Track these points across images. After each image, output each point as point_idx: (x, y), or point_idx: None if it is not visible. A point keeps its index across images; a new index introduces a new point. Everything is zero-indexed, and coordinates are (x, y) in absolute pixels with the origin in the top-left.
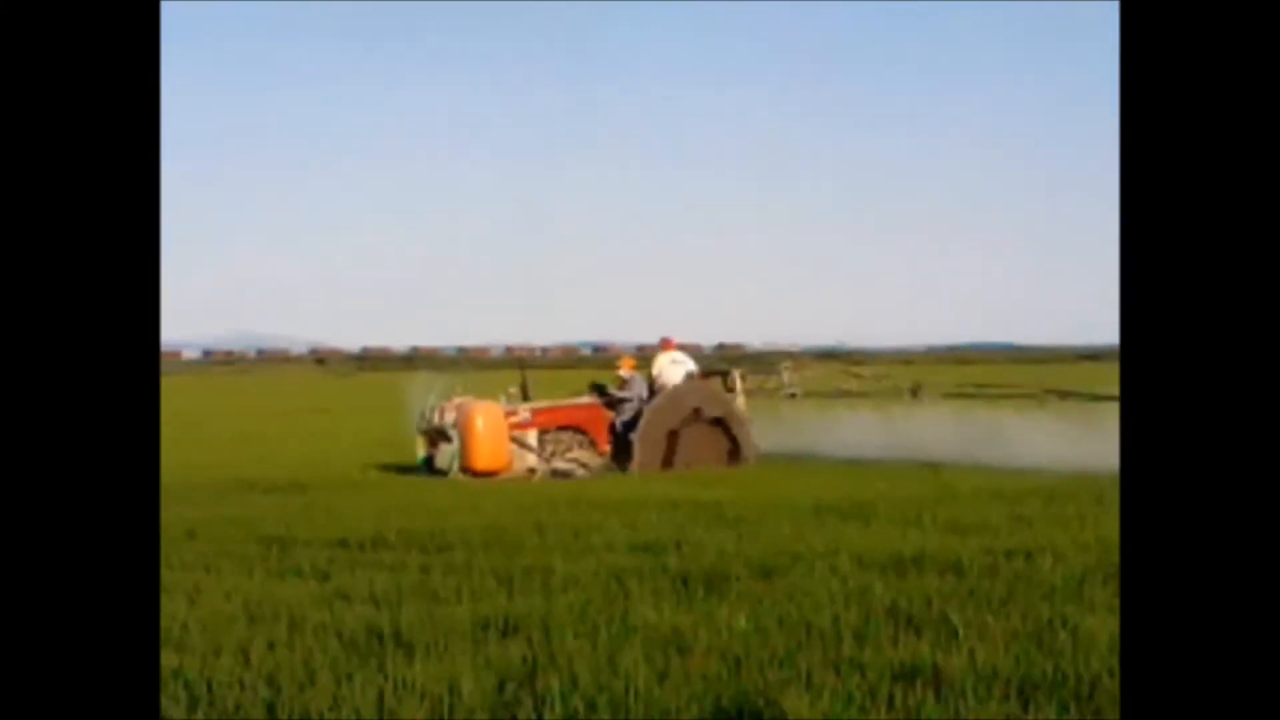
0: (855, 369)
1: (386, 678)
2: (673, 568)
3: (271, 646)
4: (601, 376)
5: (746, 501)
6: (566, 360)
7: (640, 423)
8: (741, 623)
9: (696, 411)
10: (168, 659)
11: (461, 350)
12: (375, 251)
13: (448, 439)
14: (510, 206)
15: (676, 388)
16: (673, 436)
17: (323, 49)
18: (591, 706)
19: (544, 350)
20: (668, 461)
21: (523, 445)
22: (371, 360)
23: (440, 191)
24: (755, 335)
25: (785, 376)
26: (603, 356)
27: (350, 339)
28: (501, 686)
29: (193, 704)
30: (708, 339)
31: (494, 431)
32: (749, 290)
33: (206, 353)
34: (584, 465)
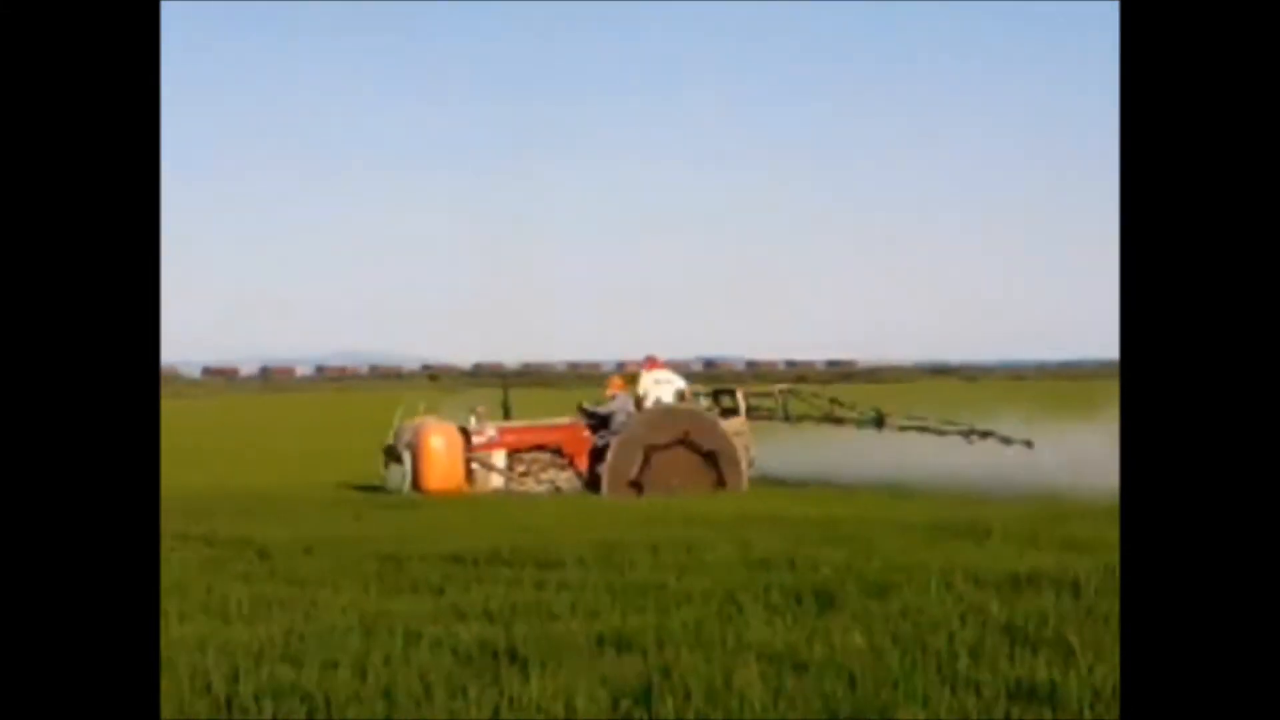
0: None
1: (502, 693)
2: (786, 584)
3: (387, 661)
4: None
5: (859, 518)
6: (677, 374)
7: (612, 445)
8: (856, 640)
9: (685, 435)
10: (283, 672)
11: (571, 365)
12: (488, 266)
13: (399, 459)
14: (625, 221)
15: (651, 412)
16: (646, 460)
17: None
18: None
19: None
20: (638, 485)
21: (487, 466)
22: (483, 375)
23: (553, 205)
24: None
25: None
26: (713, 372)
27: (462, 354)
28: (616, 703)
29: (310, 716)
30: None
31: (446, 452)
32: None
33: (319, 368)
34: (558, 486)
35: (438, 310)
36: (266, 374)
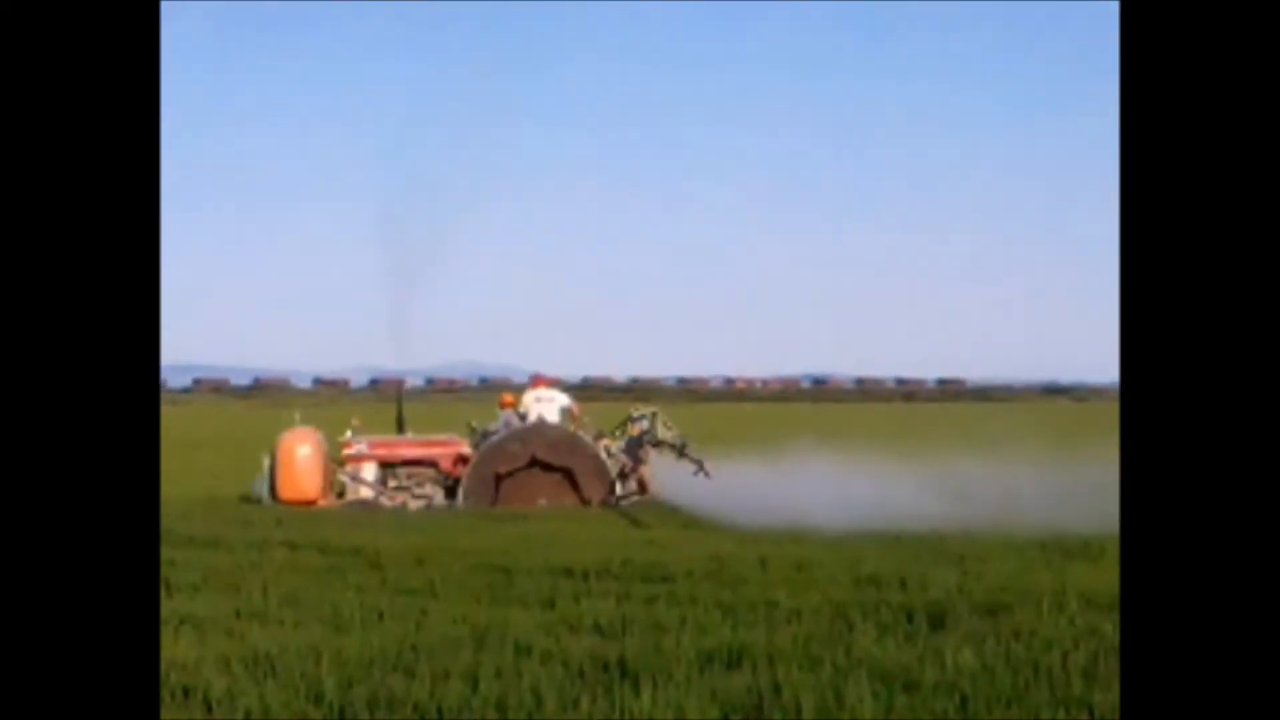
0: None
1: (613, 706)
2: (896, 602)
3: (499, 672)
4: (799, 412)
5: (971, 537)
6: (785, 393)
7: (470, 461)
8: (968, 659)
9: (533, 455)
10: (396, 681)
11: (682, 381)
12: (597, 279)
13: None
14: (735, 234)
15: (512, 431)
16: (499, 478)
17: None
18: None
19: (764, 382)
20: (494, 501)
21: (356, 479)
22: (593, 390)
23: (665, 218)
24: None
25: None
26: (821, 390)
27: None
28: (726, 717)
29: None
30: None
31: (304, 463)
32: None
33: (430, 380)
34: (429, 500)
35: (550, 323)
36: (376, 385)
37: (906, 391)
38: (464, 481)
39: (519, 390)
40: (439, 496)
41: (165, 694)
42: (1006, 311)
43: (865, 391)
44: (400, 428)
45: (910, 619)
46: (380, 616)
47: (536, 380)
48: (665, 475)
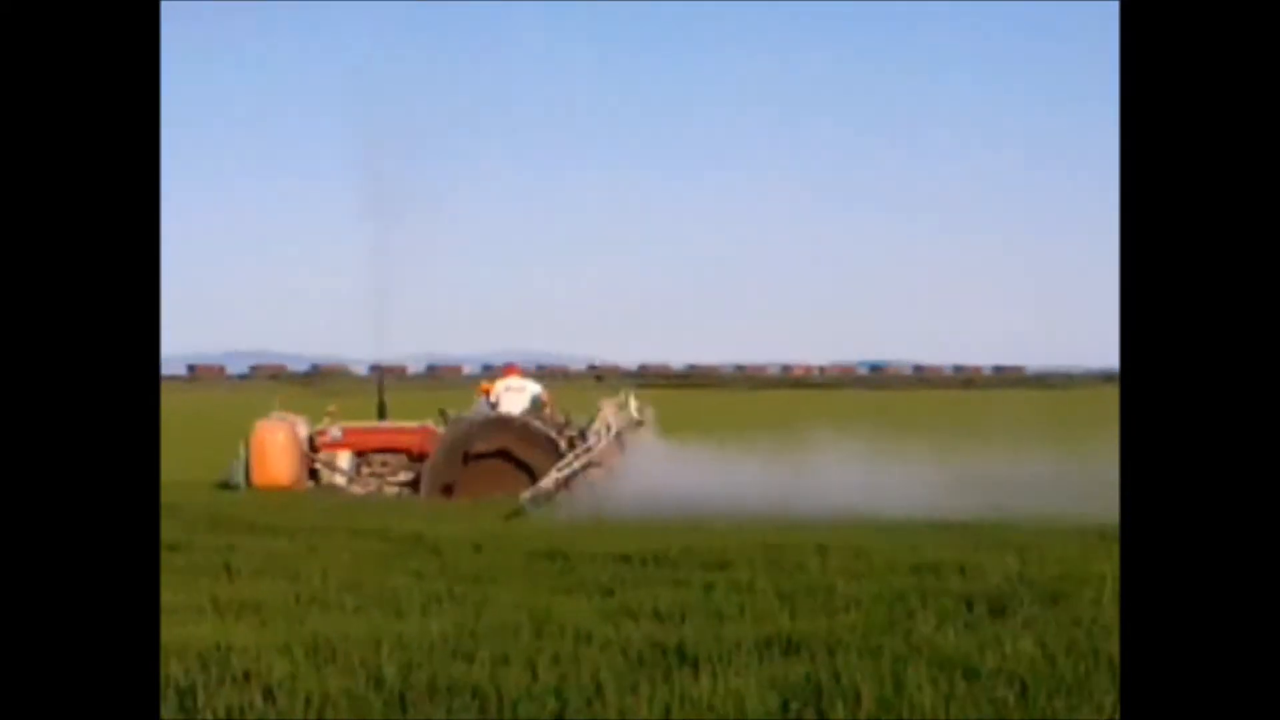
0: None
1: (673, 692)
2: (956, 590)
3: (558, 659)
4: (862, 397)
5: (1029, 524)
6: (842, 379)
7: (433, 450)
8: (1028, 646)
9: (501, 446)
10: (455, 668)
11: (739, 368)
12: (654, 267)
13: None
14: (794, 221)
15: (477, 421)
16: (461, 466)
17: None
18: None
19: (820, 369)
20: (449, 489)
21: (330, 466)
22: (649, 377)
23: (717, 205)
24: None
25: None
26: (878, 377)
27: (628, 355)
28: (786, 705)
29: (482, 712)
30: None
31: (277, 449)
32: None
33: (486, 367)
34: (401, 488)
35: (607, 311)
36: (433, 372)
37: (964, 379)
38: (429, 462)
39: (584, 378)
40: (409, 480)
41: (226, 678)
42: (1066, 298)
43: (923, 379)
44: (381, 414)
45: (970, 606)
46: (439, 602)
47: (508, 369)
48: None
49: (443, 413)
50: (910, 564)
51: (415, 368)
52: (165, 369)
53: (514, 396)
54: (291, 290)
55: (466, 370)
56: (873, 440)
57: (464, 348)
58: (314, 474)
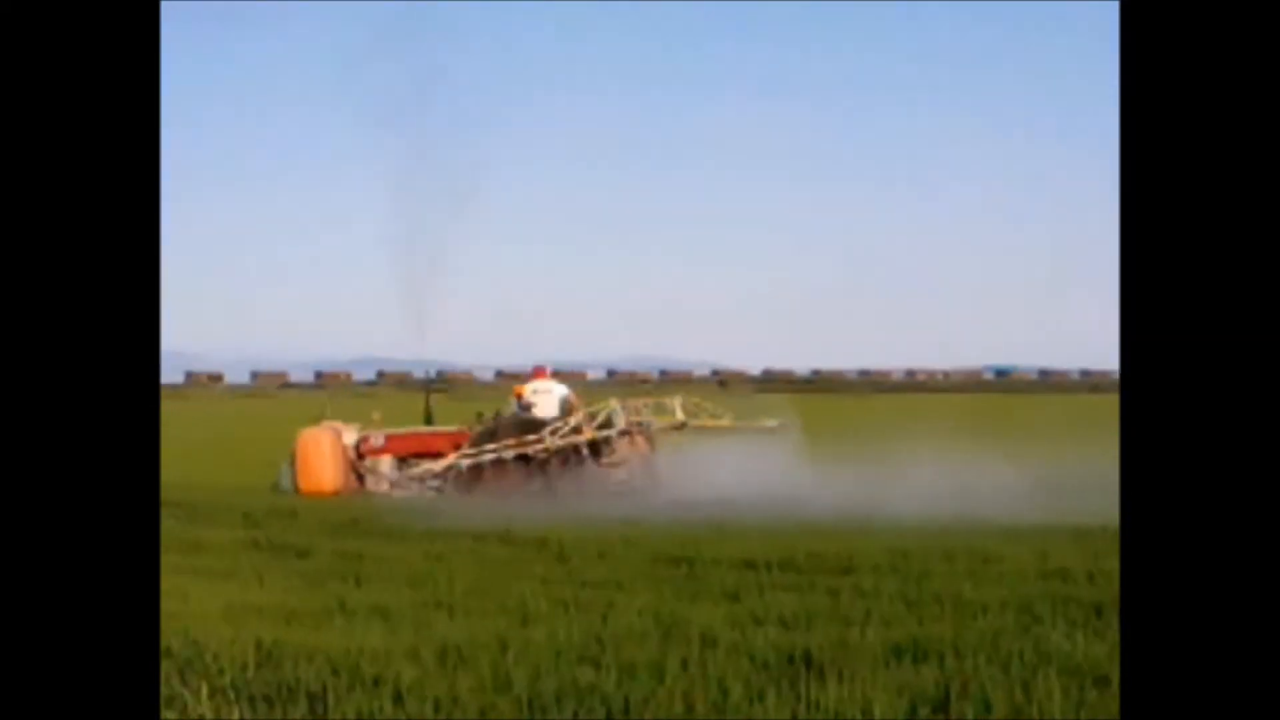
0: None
1: (799, 699)
2: (1085, 596)
3: (685, 665)
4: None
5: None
6: (968, 384)
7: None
8: None
9: (514, 446)
10: (582, 673)
11: (863, 373)
12: (781, 271)
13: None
14: (919, 225)
15: (499, 423)
16: (475, 471)
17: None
18: None
19: (946, 374)
20: (470, 489)
21: (373, 471)
22: (774, 383)
23: (847, 210)
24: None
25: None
26: (1004, 381)
27: (753, 361)
28: (914, 711)
29: (609, 718)
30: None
31: (321, 456)
32: None
33: (610, 372)
34: (437, 490)
35: (732, 316)
36: (557, 378)
37: (1091, 384)
38: (449, 469)
39: (708, 380)
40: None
41: (356, 683)
42: None
43: (1049, 384)
44: (428, 420)
45: (1099, 613)
46: (565, 608)
47: (536, 372)
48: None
49: (479, 416)
50: (1039, 570)
51: None
52: (293, 375)
53: (543, 398)
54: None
55: (591, 376)
56: (997, 445)
57: (588, 354)
58: (361, 479)
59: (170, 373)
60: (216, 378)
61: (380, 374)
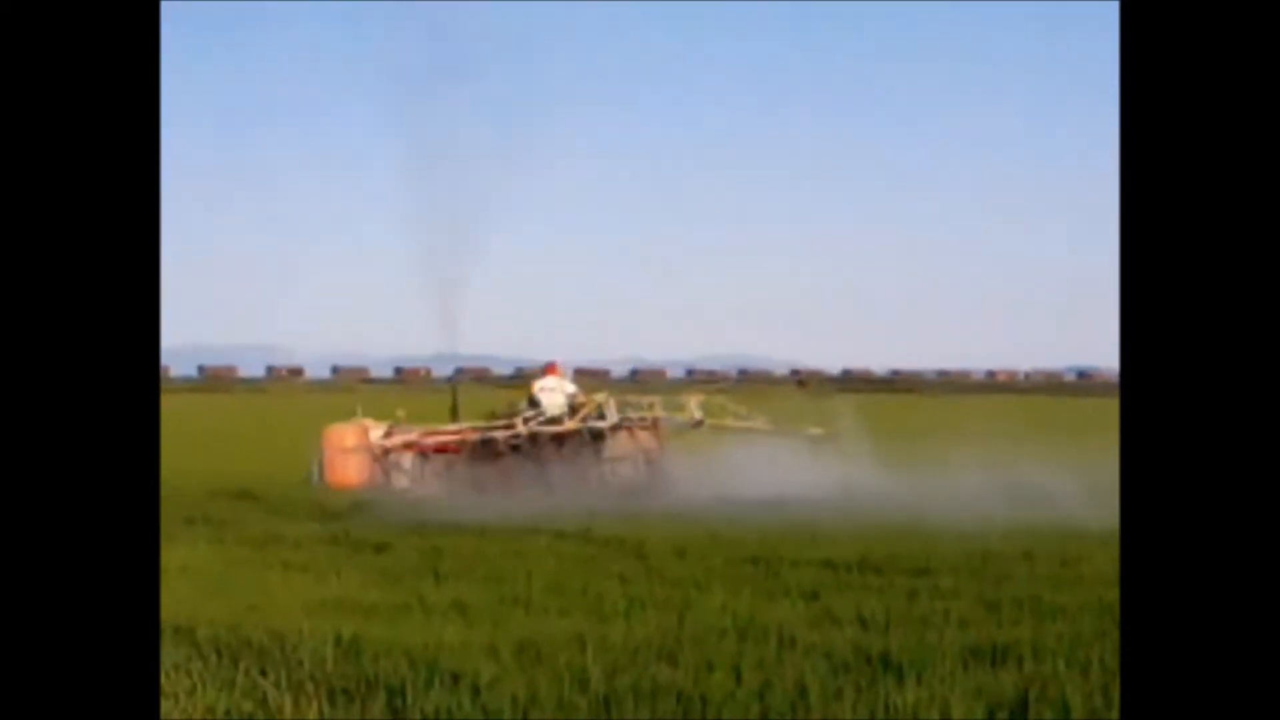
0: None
1: (877, 699)
2: None
3: (762, 664)
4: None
5: None
6: (1047, 385)
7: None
8: None
9: (513, 445)
10: (660, 671)
11: (942, 373)
12: (861, 270)
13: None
14: (1000, 223)
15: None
16: (477, 464)
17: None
18: None
19: (1026, 375)
20: (480, 486)
21: (396, 468)
22: (852, 382)
23: (925, 207)
24: None
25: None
26: (1085, 383)
27: (831, 360)
28: (992, 714)
29: (686, 715)
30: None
31: (346, 451)
32: None
33: (689, 371)
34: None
35: (811, 315)
36: (636, 375)
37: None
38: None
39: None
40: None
41: (435, 680)
42: None
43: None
44: (454, 417)
45: None
46: (643, 606)
47: (548, 368)
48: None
49: (494, 414)
50: (1118, 574)
51: (619, 371)
52: (373, 371)
53: (550, 395)
54: (495, 295)
55: (670, 374)
56: (1076, 447)
57: (666, 352)
58: (386, 474)
59: (251, 366)
60: (297, 372)
61: (458, 370)
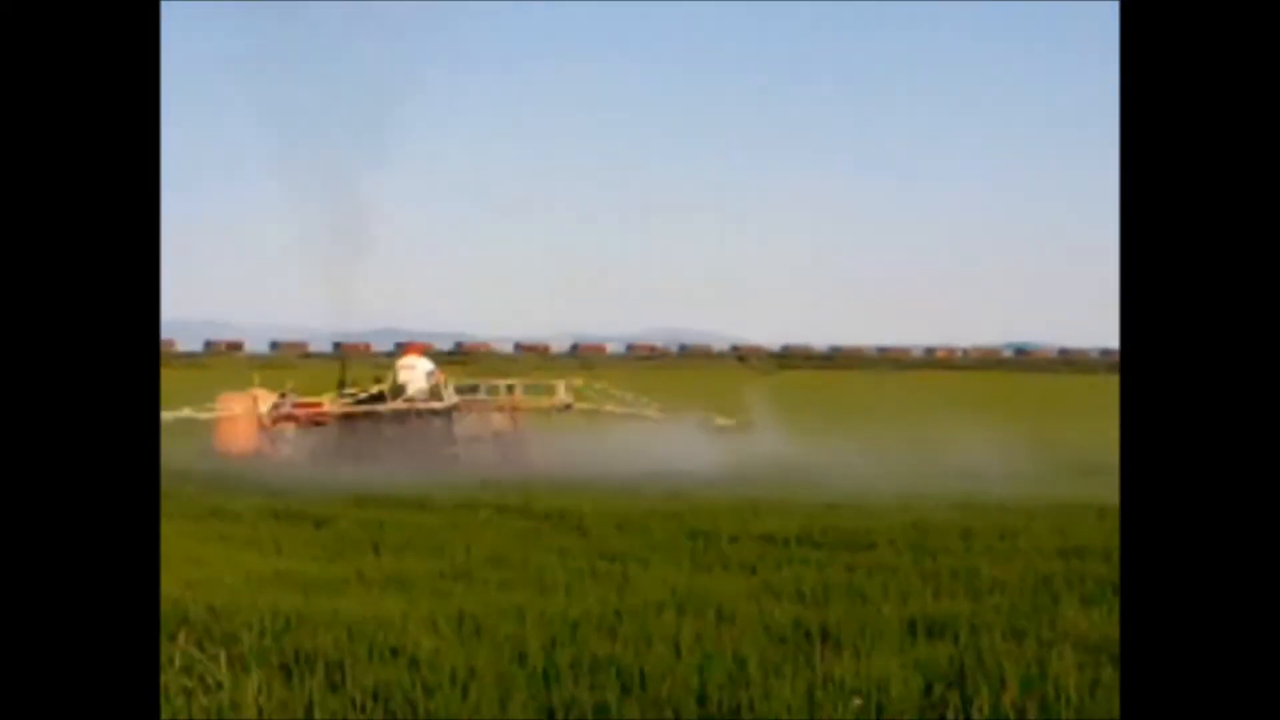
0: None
1: (815, 673)
2: (1102, 574)
3: (700, 638)
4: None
5: None
6: (987, 361)
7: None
8: None
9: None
10: (599, 644)
11: (882, 350)
12: (801, 247)
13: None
14: (939, 202)
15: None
16: (345, 440)
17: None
18: (1020, 711)
19: (965, 352)
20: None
21: (281, 438)
22: (792, 359)
23: (871, 186)
24: None
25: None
26: (1024, 360)
27: (772, 336)
28: (929, 687)
29: (625, 691)
30: None
31: (235, 422)
32: None
33: (630, 346)
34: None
35: (753, 291)
36: (577, 350)
37: (1110, 363)
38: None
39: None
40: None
41: (375, 654)
42: None
43: (1069, 362)
44: (341, 388)
45: (1115, 591)
46: (583, 579)
47: (409, 348)
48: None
49: (362, 388)
50: (1056, 548)
51: (559, 346)
52: (250, 346)
53: (409, 373)
54: (432, 268)
55: (610, 349)
56: (1016, 423)
57: (607, 327)
58: (271, 443)
59: (190, 341)
60: (236, 346)
61: (399, 345)
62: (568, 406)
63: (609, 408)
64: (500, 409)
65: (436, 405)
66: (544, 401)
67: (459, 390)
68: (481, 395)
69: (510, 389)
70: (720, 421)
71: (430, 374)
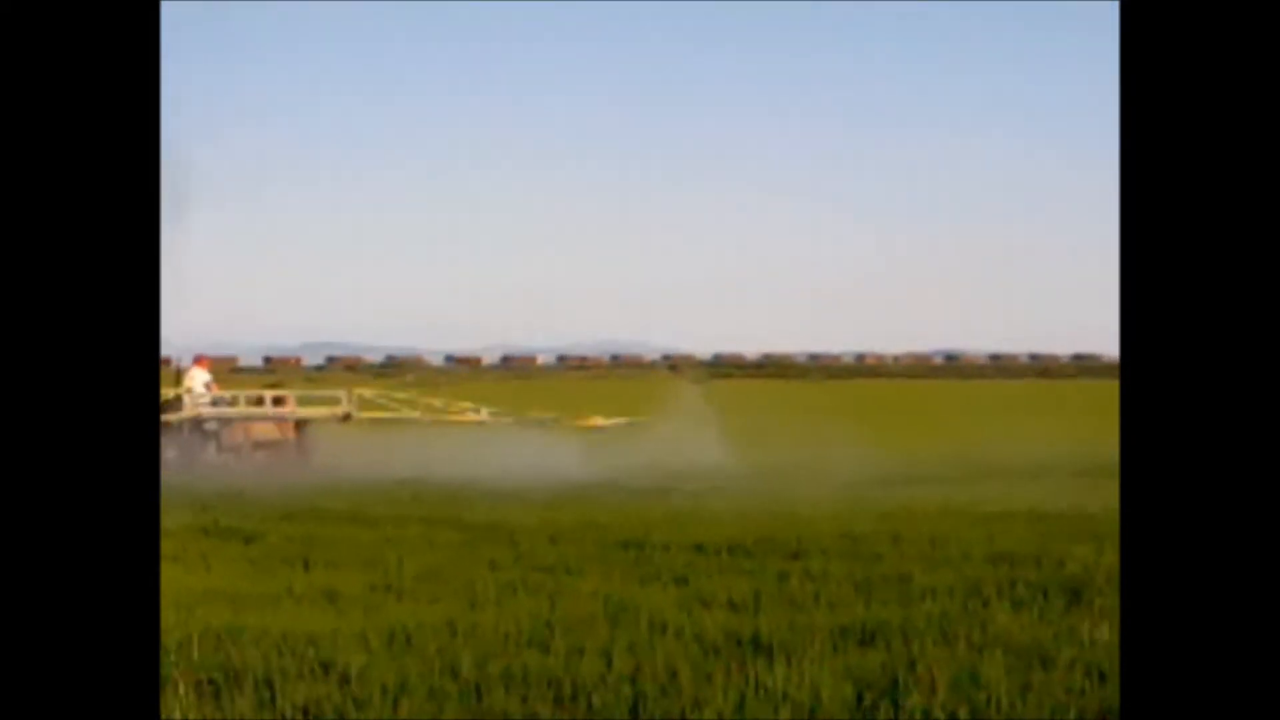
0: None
1: (747, 682)
2: (1033, 579)
3: (632, 649)
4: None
5: (1107, 514)
6: (917, 369)
7: None
8: (1105, 635)
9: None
10: (531, 657)
11: (813, 357)
12: (731, 255)
13: None
14: (868, 208)
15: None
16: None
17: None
18: (952, 717)
19: (895, 358)
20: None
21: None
22: (724, 367)
23: (797, 192)
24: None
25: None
26: (954, 366)
27: (703, 345)
28: (861, 694)
29: (558, 702)
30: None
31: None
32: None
33: (561, 357)
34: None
35: (685, 300)
36: (508, 362)
37: (1041, 368)
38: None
39: None
40: None
41: (305, 669)
42: None
43: (1000, 367)
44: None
45: (1046, 596)
46: (515, 592)
47: (197, 360)
48: None
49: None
50: (986, 553)
51: (491, 358)
52: (243, 360)
53: (194, 383)
54: (362, 283)
55: (541, 360)
56: (946, 430)
57: (538, 339)
58: None
59: None
60: (163, 361)
61: (330, 359)
62: (347, 416)
63: (414, 415)
64: (271, 419)
65: (193, 415)
66: (323, 411)
67: (219, 402)
68: (241, 405)
69: (278, 401)
70: (597, 422)
71: (206, 383)
